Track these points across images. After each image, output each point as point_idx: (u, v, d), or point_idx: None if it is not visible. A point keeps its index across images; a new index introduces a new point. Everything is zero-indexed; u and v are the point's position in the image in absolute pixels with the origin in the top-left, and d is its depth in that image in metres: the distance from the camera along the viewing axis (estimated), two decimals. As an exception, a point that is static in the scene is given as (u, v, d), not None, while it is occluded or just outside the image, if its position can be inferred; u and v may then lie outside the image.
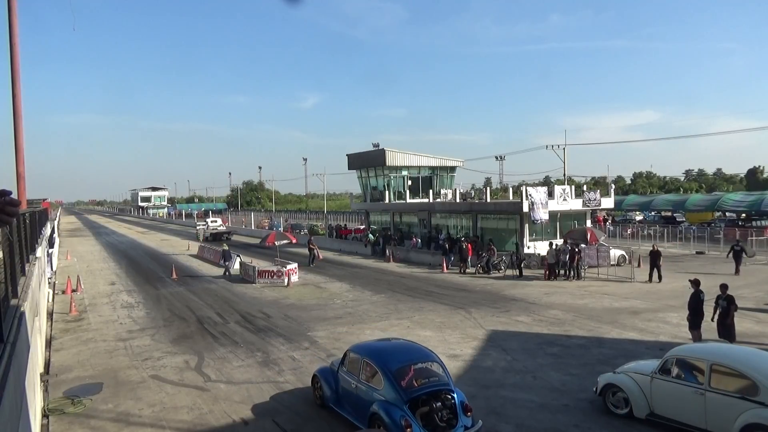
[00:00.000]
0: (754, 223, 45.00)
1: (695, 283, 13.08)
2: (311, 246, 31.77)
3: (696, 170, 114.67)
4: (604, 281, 23.17)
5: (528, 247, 27.99)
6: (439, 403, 8.09)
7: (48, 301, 19.94)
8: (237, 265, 29.16)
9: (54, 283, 24.54)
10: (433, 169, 42.04)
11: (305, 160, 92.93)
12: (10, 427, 4.72)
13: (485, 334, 15.06)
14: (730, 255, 24.88)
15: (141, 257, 38.22)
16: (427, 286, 23.52)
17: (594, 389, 9.87)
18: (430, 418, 8.00)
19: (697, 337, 12.86)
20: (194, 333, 16.06)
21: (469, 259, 27.35)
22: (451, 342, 14.30)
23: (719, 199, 51.69)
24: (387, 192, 40.45)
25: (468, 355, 13.10)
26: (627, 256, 26.96)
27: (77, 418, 9.84)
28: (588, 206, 29.58)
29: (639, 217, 58.15)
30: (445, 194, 37.71)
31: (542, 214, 27.08)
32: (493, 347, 13.73)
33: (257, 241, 39.41)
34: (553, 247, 24.94)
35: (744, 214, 48.74)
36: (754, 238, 33.58)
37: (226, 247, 30.65)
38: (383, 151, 40.72)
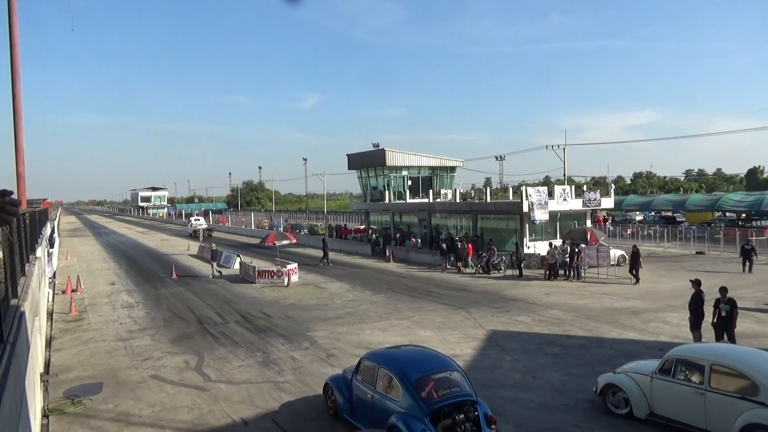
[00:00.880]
0: (754, 223, 44.97)
1: (696, 284, 13.07)
2: (325, 245, 31.91)
3: (696, 170, 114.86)
4: (604, 281, 23.17)
5: (528, 247, 27.99)
6: (462, 416, 7.66)
7: (48, 301, 19.94)
8: (237, 265, 29.15)
9: (54, 283, 24.52)
10: (433, 169, 42.05)
11: (305, 160, 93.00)
12: (10, 427, 4.72)
13: (485, 334, 15.06)
14: (741, 254, 25.22)
15: (141, 257, 38.21)
16: (427, 286, 23.52)
17: (594, 389, 9.87)
18: (452, 431, 7.60)
19: (697, 338, 12.86)
20: (194, 333, 16.06)
21: (469, 259, 27.33)
22: (451, 342, 14.29)
23: (719, 199, 51.67)
24: (387, 192, 40.45)
25: (468, 355, 13.10)
26: (627, 257, 26.93)
27: (77, 418, 9.84)
28: (588, 206, 29.57)
29: (639, 217, 58.14)
30: (445, 194, 37.70)
31: (542, 215, 27.08)
32: (493, 347, 13.73)
33: (257, 241, 39.40)
34: (553, 247, 24.94)
35: (744, 214, 48.72)
36: (754, 238, 33.53)
37: (215, 247, 30.57)
38: (383, 151, 40.73)
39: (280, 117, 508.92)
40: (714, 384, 8.08)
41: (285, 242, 27.95)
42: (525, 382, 11.17)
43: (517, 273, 25.12)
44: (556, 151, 48.82)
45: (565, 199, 28.47)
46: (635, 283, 22.01)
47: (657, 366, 8.99)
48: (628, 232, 42.65)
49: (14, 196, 3.53)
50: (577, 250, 24.01)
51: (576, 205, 28.97)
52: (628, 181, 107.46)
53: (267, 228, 58.06)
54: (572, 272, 23.97)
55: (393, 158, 40.62)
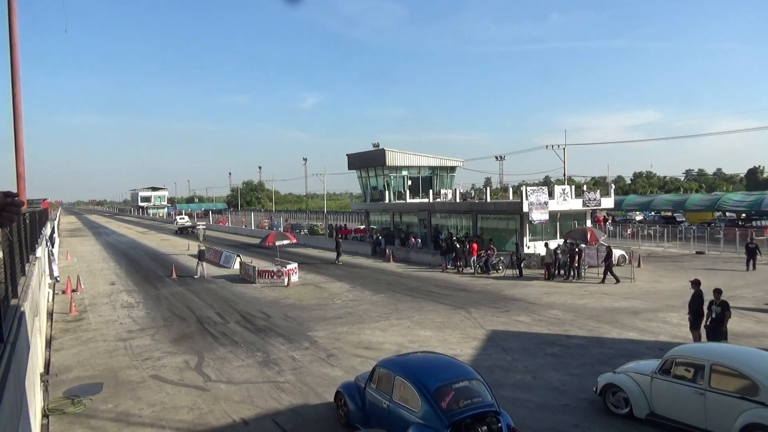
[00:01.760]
0: (754, 223, 44.95)
1: (696, 284, 13.04)
2: (338, 245, 33.02)
3: (696, 170, 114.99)
4: (606, 281, 23.13)
5: (528, 247, 27.99)
6: (484, 428, 7.28)
7: (48, 301, 19.94)
8: (237, 265, 29.14)
9: (54, 283, 24.51)
10: (433, 169, 42.04)
11: (305, 160, 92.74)
12: (10, 427, 4.72)
13: (485, 334, 15.06)
14: (746, 252, 25.39)
15: (141, 257, 38.21)
16: (427, 286, 23.52)
17: (594, 389, 9.87)
18: None
19: (697, 337, 12.85)
20: (194, 333, 16.06)
21: (472, 259, 27.29)
22: (451, 342, 14.29)
23: (719, 199, 51.64)
24: (387, 192, 40.45)
25: (468, 355, 13.09)
26: (627, 256, 26.96)
27: (77, 418, 9.84)
28: (588, 206, 29.58)
29: (639, 217, 58.07)
30: (445, 194, 37.71)
31: (541, 215, 27.08)
32: (493, 347, 13.73)
33: (257, 241, 39.40)
34: (548, 246, 24.88)
35: (744, 214, 48.71)
36: (754, 237, 33.50)
37: (203, 247, 30.46)
38: (383, 151, 40.72)
39: (280, 117, 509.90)
40: (714, 384, 8.08)
41: (285, 242, 27.95)
42: (525, 382, 11.17)
43: (517, 273, 25.11)
44: (556, 151, 48.82)
45: (565, 199, 28.48)
46: (615, 283, 22.13)
47: (657, 366, 8.99)
48: (628, 232, 42.65)
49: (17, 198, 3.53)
50: (577, 250, 24.01)
51: (576, 205, 28.97)
52: (628, 181, 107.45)
53: (267, 228, 58.07)
54: (573, 272, 23.97)
55: (393, 158, 40.61)
